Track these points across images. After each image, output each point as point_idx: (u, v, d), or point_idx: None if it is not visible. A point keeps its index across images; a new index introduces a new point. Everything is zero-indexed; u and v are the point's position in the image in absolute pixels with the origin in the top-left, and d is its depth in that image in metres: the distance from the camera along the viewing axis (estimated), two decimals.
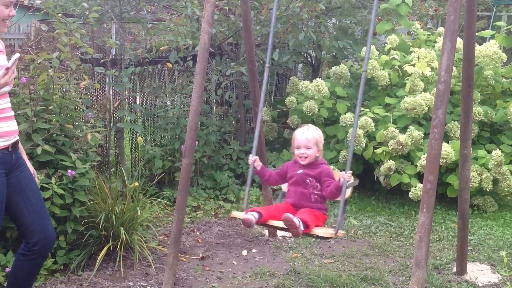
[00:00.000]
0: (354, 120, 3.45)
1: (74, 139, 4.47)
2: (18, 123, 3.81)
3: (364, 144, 5.84)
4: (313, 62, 8.07)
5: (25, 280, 3.30)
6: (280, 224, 3.39)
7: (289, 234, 5.22)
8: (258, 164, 3.73)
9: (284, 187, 3.82)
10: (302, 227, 3.29)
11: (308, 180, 3.57)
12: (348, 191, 3.48)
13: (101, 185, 4.51)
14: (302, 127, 3.68)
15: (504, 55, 6.06)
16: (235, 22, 6.36)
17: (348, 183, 3.37)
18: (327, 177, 3.54)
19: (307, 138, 3.58)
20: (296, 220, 3.26)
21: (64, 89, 4.60)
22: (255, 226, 3.85)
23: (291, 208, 3.57)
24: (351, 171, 3.38)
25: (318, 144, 3.60)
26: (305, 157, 3.58)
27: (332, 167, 5.91)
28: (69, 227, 4.14)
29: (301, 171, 3.60)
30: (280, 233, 5.27)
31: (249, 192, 3.79)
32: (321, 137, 3.65)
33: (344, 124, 6.05)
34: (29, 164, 3.30)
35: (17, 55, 2.90)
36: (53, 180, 3.98)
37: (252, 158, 3.71)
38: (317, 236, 3.48)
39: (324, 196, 3.57)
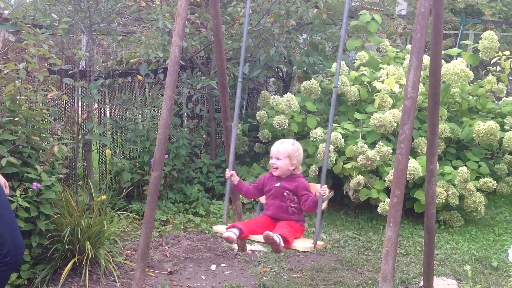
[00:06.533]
0: (327, 136, 3.52)
1: (40, 151, 4.39)
2: None
3: (334, 159, 5.88)
4: (284, 77, 8.14)
5: None
6: (261, 238, 3.46)
7: (260, 248, 5.26)
8: (235, 179, 3.79)
9: (262, 199, 3.92)
10: (282, 243, 3.37)
11: (285, 194, 3.68)
12: (325, 203, 3.59)
13: (67, 198, 4.44)
14: (281, 140, 3.83)
15: (471, 73, 6.18)
16: (206, 36, 6.37)
17: (324, 197, 3.46)
18: (304, 191, 3.65)
19: (278, 150, 3.71)
20: (276, 238, 3.34)
21: (31, 101, 4.53)
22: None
23: (270, 220, 3.69)
24: (326, 185, 3.46)
25: (291, 157, 3.69)
26: (275, 168, 3.71)
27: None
28: (34, 241, 4.07)
29: (278, 184, 3.71)
30: (249, 247, 5.25)
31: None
32: (297, 151, 3.73)
33: (314, 139, 6.08)
34: None
35: None
36: (18, 192, 3.91)
37: (229, 172, 3.77)
38: (297, 250, 3.63)
39: (301, 209, 3.68)
